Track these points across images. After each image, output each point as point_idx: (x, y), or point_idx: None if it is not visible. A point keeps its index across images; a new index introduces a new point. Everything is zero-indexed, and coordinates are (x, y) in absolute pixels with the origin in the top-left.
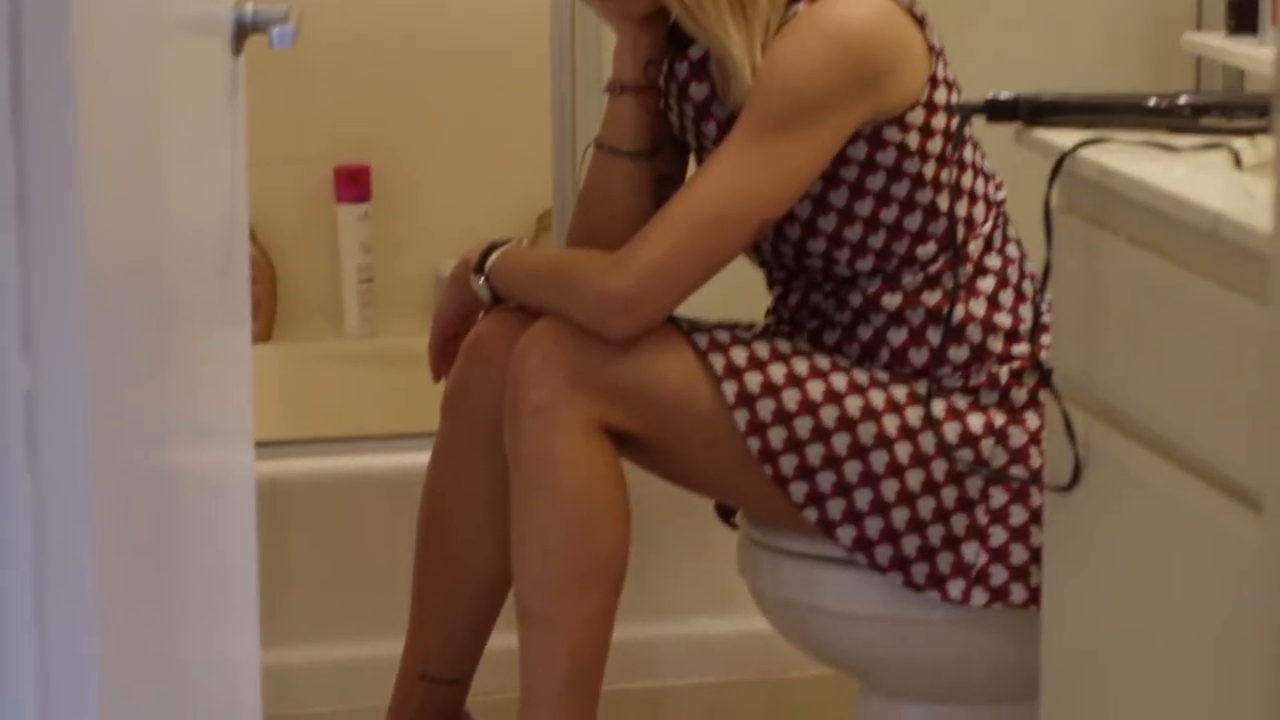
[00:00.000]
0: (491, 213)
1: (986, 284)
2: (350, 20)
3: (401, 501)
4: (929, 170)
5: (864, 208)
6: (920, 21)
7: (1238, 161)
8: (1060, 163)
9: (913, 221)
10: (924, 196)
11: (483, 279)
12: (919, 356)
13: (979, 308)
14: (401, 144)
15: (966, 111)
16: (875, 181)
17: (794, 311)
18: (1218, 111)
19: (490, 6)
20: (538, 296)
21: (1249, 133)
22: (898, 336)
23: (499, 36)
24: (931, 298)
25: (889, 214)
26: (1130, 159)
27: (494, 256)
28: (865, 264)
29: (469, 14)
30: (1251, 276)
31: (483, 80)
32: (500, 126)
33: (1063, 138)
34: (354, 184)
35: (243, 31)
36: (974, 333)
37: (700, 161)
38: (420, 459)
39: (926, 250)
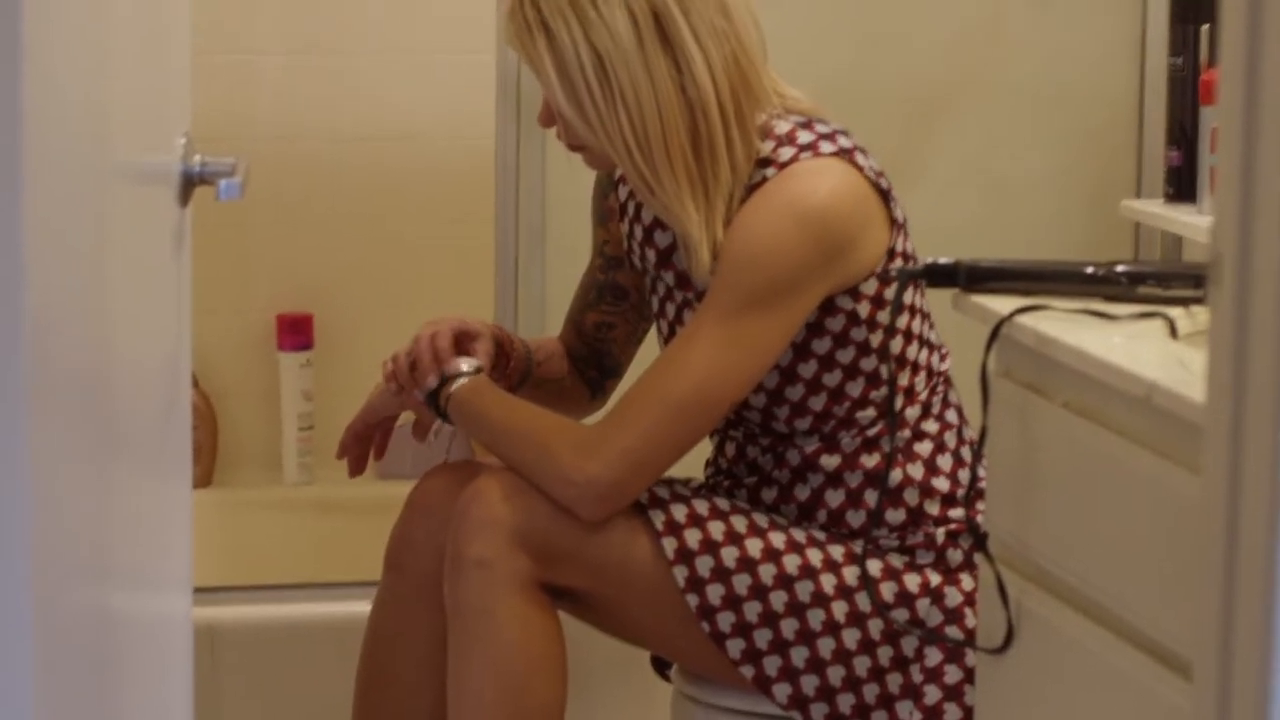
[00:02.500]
0: None
1: (924, 448)
2: (295, 170)
3: (340, 650)
4: (875, 339)
5: (807, 370)
6: (885, 194)
7: (1173, 331)
8: (997, 329)
9: (854, 387)
10: (868, 364)
11: (439, 405)
12: (856, 518)
13: (916, 471)
14: (344, 293)
15: (905, 276)
16: (821, 346)
17: (731, 464)
18: (1154, 280)
19: (435, 159)
20: (503, 453)
21: (1185, 302)
22: (835, 498)
23: (443, 188)
24: (869, 460)
25: (831, 378)
26: (1067, 326)
27: (455, 387)
28: (803, 423)
29: (413, 166)
30: (1185, 446)
31: (426, 231)
32: (442, 277)
33: (1000, 304)
34: (296, 332)
35: (190, 183)
36: (911, 496)
37: (657, 308)
38: (359, 608)
39: (866, 414)
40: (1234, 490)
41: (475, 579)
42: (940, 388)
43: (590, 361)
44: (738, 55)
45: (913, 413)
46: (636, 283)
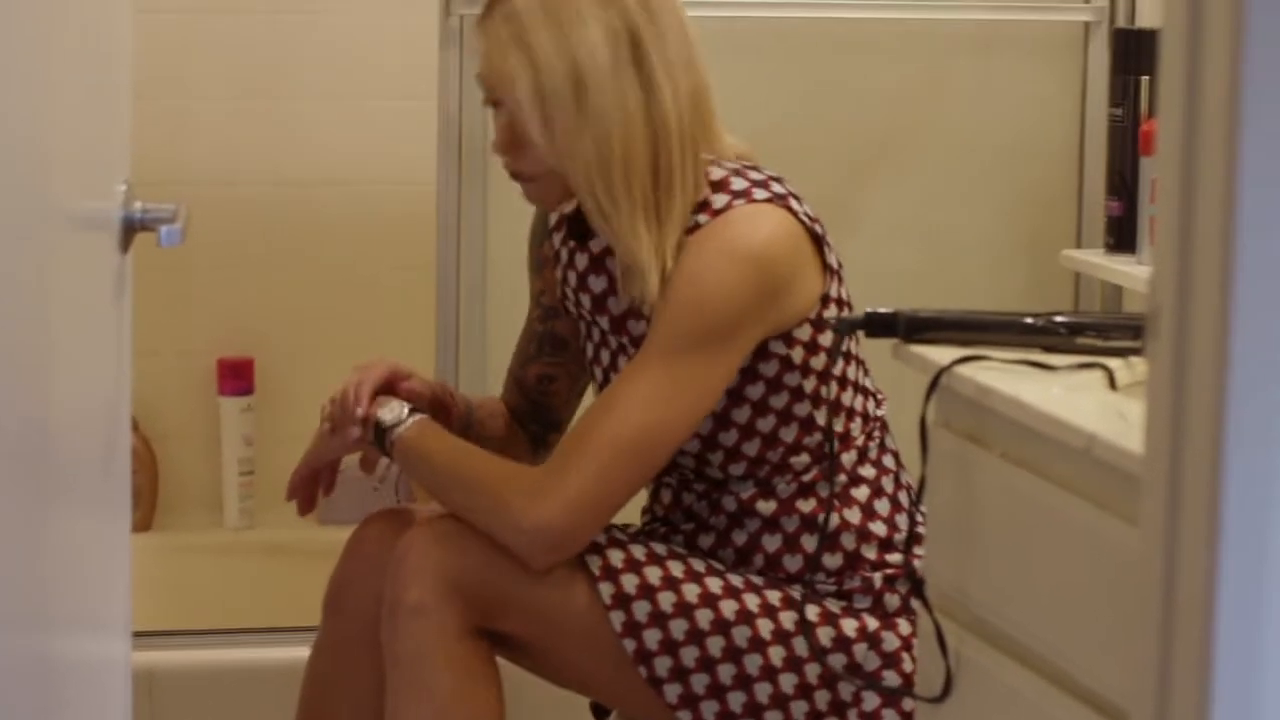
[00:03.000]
0: None
1: (861, 493)
2: (237, 215)
3: (280, 695)
4: (809, 385)
5: (741, 415)
6: (819, 239)
7: (1112, 382)
8: (937, 379)
9: (788, 433)
10: (801, 410)
11: (385, 444)
12: (793, 563)
13: (854, 516)
14: (285, 338)
15: (845, 326)
16: (754, 391)
17: (668, 511)
18: (1093, 331)
19: (376, 205)
20: (450, 499)
21: (1124, 353)
22: (772, 543)
23: (384, 234)
24: (806, 505)
25: (765, 423)
26: (1006, 377)
27: (402, 429)
28: (738, 469)
29: (354, 211)
30: (1123, 497)
31: (367, 277)
32: (382, 323)
33: (940, 354)
34: (237, 376)
35: (131, 229)
36: (848, 540)
37: (591, 354)
38: (298, 653)
39: (800, 460)
40: (1171, 542)
41: (412, 626)
42: (876, 433)
43: (533, 416)
44: (698, 91)
45: (849, 458)
46: (575, 331)
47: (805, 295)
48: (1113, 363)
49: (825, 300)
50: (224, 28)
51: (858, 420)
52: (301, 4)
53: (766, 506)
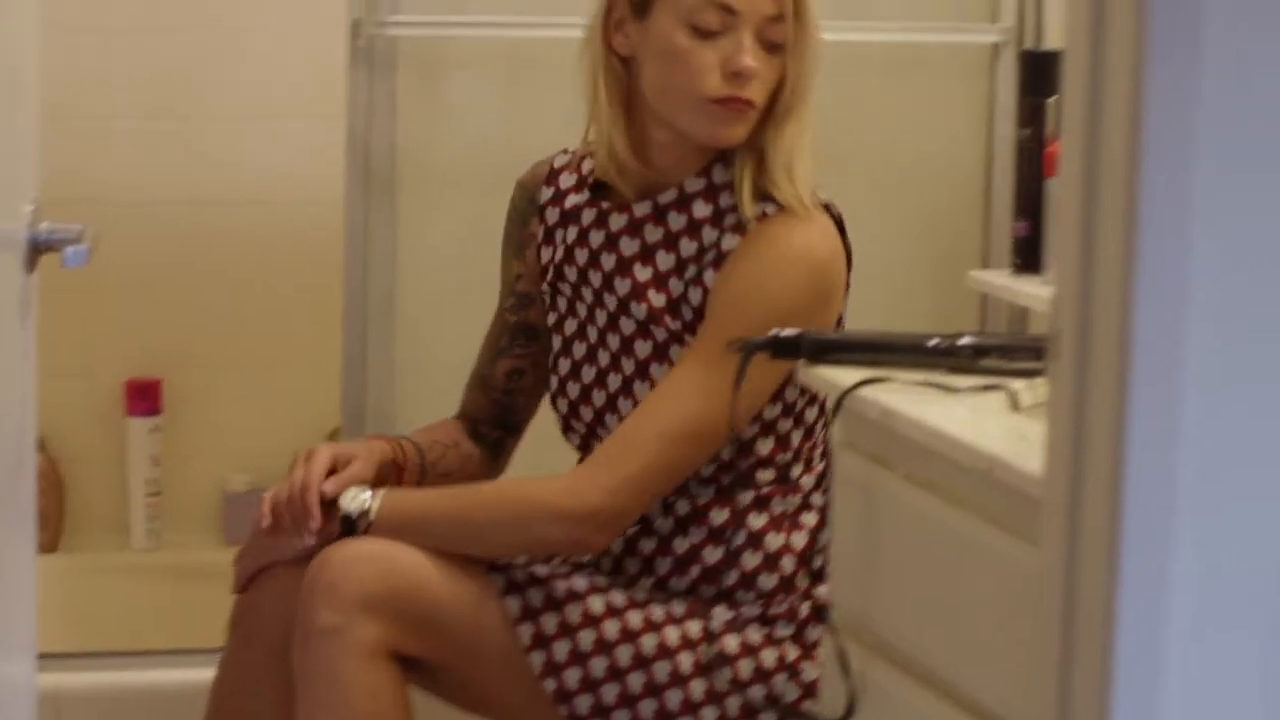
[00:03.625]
0: (281, 429)
1: (810, 519)
2: (146, 236)
3: (186, 717)
4: (801, 402)
5: None
6: (850, 261)
7: (1015, 404)
8: (840, 401)
9: (765, 445)
10: (784, 425)
11: (359, 531)
12: (729, 578)
13: (799, 540)
14: (192, 359)
15: (749, 348)
16: (773, 411)
17: None
18: (997, 353)
19: (285, 225)
20: (464, 545)
21: (1027, 374)
22: (714, 555)
23: (293, 254)
24: (757, 521)
25: (749, 430)
26: (910, 399)
27: (374, 515)
28: (706, 470)
29: (263, 232)
30: (1024, 518)
31: (276, 297)
32: (291, 343)
33: (844, 376)
34: (144, 397)
35: (36, 250)
36: (788, 564)
37: (576, 330)
38: (205, 675)
39: (765, 475)
40: (1072, 562)
41: (324, 646)
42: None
43: (495, 420)
44: None
45: (807, 482)
46: (545, 323)
47: (836, 310)
48: (1016, 384)
49: (839, 320)
50: (135, 47)
51: (820, 448)
52: (212, 24)
53: (719, 515)
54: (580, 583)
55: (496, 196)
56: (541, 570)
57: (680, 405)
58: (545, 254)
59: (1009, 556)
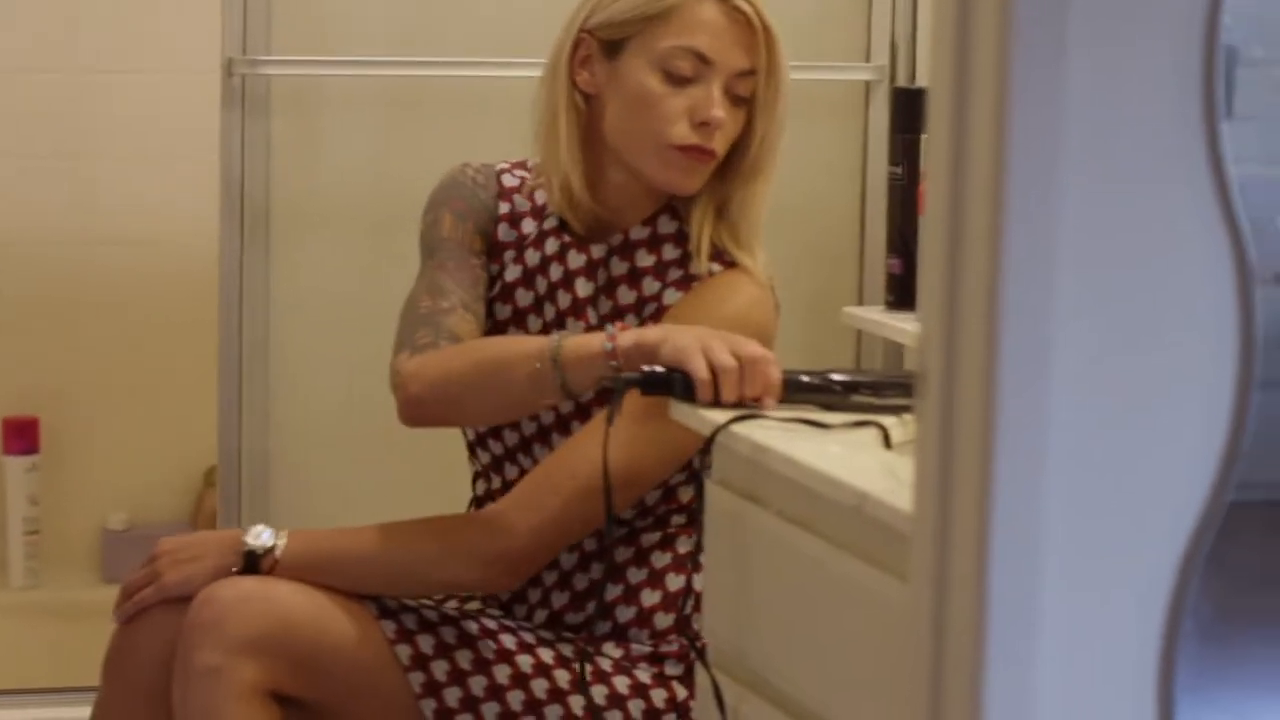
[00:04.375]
0: (159, 467)
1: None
2: (24, 273)
3: None
4: None
5: None
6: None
7: (887, 440)
8: (713, 437)
9: (686, 491)
10: (697, 461)
11: (263, 569)
12: (625, 614)
13: (699, 581)
14: (70, 397)
15: (621, 384)
16: None
17: None
18: (868, 389)
19: (164, 264)
20: (376, 582)
21: (898, 410)
22: (613, 591)
23: (171, 294)
24: (660, 560)
25: (677, 477)
26: (782, 435)
27: (280, 550)
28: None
29: (142, 271)
30: (894, 554)
31: (151, 337)
32: (168, 382)
33: (717, 413)
34: (22, 436)
35: None
36: (686, 604)
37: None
38: (82, 713)
39: (679, 518)
40: (940, 597)
41: (204, 686)
42: None
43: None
44: None
45: None
46: (473, 333)
47: None
48: (888, 421)
49: None
50: (13, 86)
51: None
52: (95, 64)
53: (624, 553)
54: (471, 625)
55: (372, 237)
56: (432, 615)
57: (609, 453)
58: (492, 268)
59: (880, 592)
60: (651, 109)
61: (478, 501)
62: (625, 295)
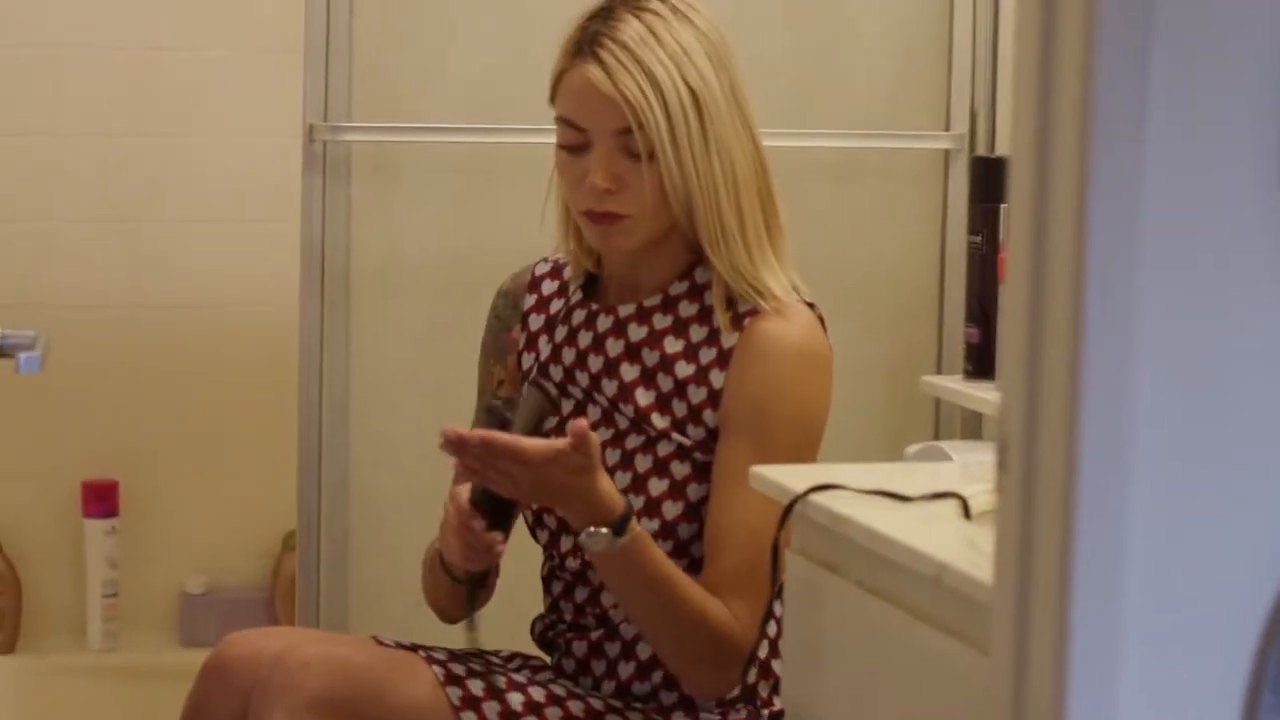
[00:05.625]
0: (238, 531)
1: (771, 629)
2: (101, 337)
3: None
4: None
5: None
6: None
7: (966, 511)
8: (791, 506)
9: None
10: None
11: (615, 542)
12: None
13: (762, 649)
14: (150, 461)
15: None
16: None
17: (576, 615)
18: None
19: (240, 326)
20: (651, 623)
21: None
22: None
23: (247, 356)
24: None
25: None
26: (861, 505)
27: (626, 540)
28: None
29: (218, 333)
30: (974, 625)
31: (231, 400)
32: (247, 446)
33: (795, 481)
34: (101, 499)
35: None
36: (750, 673)
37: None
38: None
39: None
40: (1020, 671)
41: None
42: None
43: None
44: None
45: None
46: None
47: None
48: (968, 491)
49: None
50: (87, 150)
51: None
52: (165, 127)
53: None
54: (538, 693)
55: (450, 301)
56: (499, 681)
57: (765, 522)
58: (526, 360)
59: (958, 664)
60: (561, 178)
61: (545, 580)
62: (672, 345)
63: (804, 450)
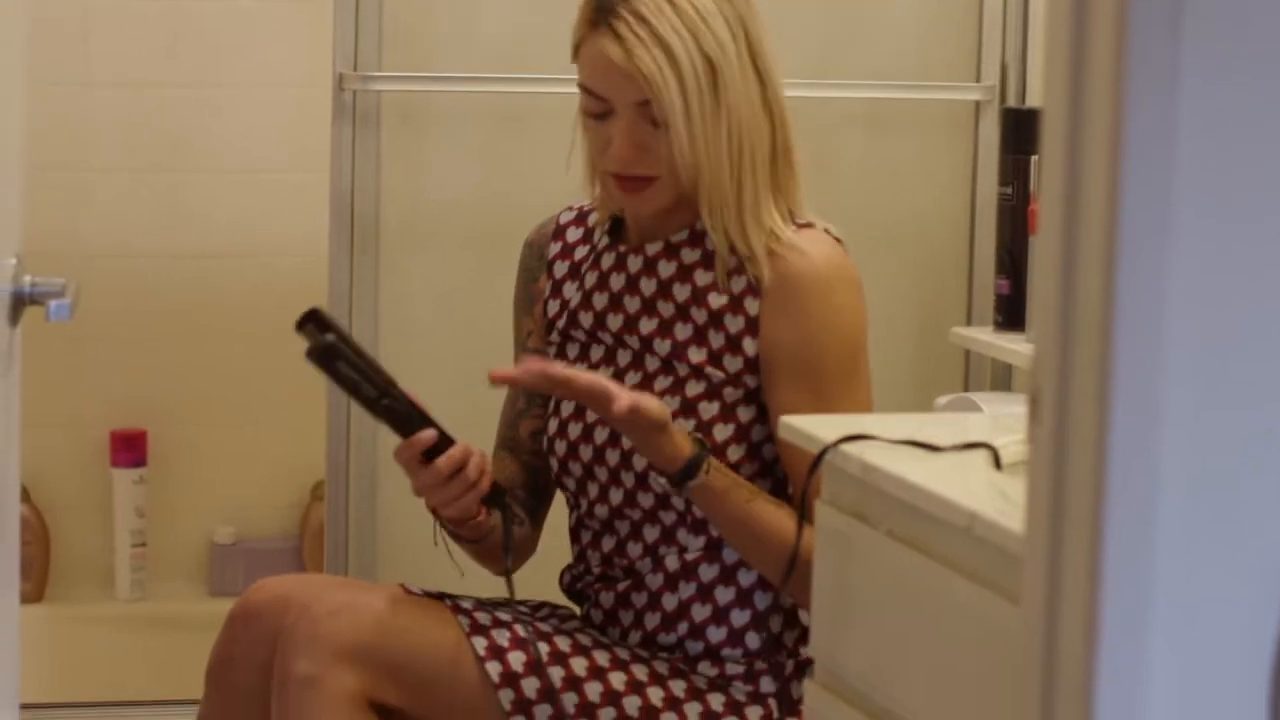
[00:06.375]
0: (266, 481)
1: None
2: (130, 287)
3: None
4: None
5: (734, 453)
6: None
7: (997, 462)
8: (821, 456)
9: (762, 487)
10: (763, 485)
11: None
12: (716, 635)
13: (787, 599)
14: (178, 410)
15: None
16: (759, 433)
17: (604, 565)
18: None
19: (269, 277)
20: (742, 540)
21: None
22: (702, 612)
23: (276, 306)
24: (746, 578)
25: (747, 469)
26: (891, 455)
27: (706, 470)
28: (700, 518)
29: (247, 284)
30: (1005, 575)
31: (259, 350)
32: (276, 396)
33: (825, 431)
34: (130, 448)
35: (20, 304)
36: (775, 623)
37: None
38: None
39: None
40: (1051, 620)
41: (302, 696)
42: None
43: (528, 484)
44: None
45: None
46: (507, 476)
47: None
48: (998, 442)
49: None
50: (118, 101)
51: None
52: (195, 77)
53: (708, 572)
54: (564, 642)
55: (479, 251)
56: (525, 630)
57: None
58: (552, 307)
59: (989, 613)
60: (586, 140)
61: (573, 530)
62: (702, 278)
63: (857, 372)
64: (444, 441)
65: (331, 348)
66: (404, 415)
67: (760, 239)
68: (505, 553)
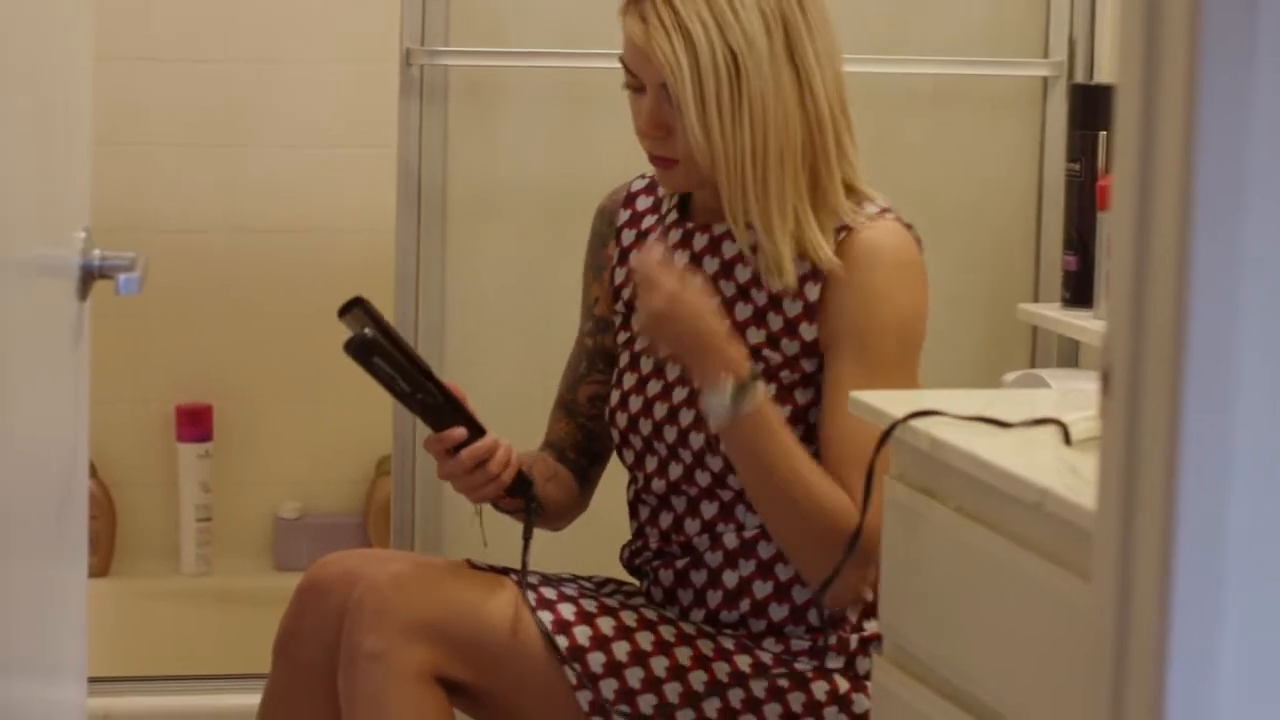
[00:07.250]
0: (331, 456)
1: None
2: (196, 262)
3: None
4: None
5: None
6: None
7: (1067, 438)
8: (889, 431)
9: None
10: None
11: (733, 406)
12: (779, 612)
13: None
14: (243, 385)
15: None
16: (815, 413)
17: (662, 543)
18: None
19: (335, 252)
20: (774, 501)
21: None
22: (763, 589)
23: (342, 281)
24: None
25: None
26: (961, 431)
27: (755, 394)
28: None
29: (312, 258)
30: (1075, 552)
31: (326, 325)
32: (341, 371)
33: (894, 406)
34: (195, 423)
35: (89, 277)
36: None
37: (629, 341)
38: (252, 700)
39: None
40: (1123, 597)
41: (370, 671)
42: None
43: (581, 447)
44: (841, 81)
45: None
46: (561, 436)
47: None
48: (1069, 417)
49: None
50: (184, 75)
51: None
52: (261, 52)
53: (767, 549)
54: (630, 617)
55: (546, 226)
56: (590, 606)
57: (865, 429)
58: (619, 275)
59: (1060, 590)
60: (632, 115)
61: (631, 505)
62: (742, 274)
63: (912, 361)
64: (474, 434)
65: (366, 342)
66: (435, 410)
67: (787, 238)
68: (525, 545)
